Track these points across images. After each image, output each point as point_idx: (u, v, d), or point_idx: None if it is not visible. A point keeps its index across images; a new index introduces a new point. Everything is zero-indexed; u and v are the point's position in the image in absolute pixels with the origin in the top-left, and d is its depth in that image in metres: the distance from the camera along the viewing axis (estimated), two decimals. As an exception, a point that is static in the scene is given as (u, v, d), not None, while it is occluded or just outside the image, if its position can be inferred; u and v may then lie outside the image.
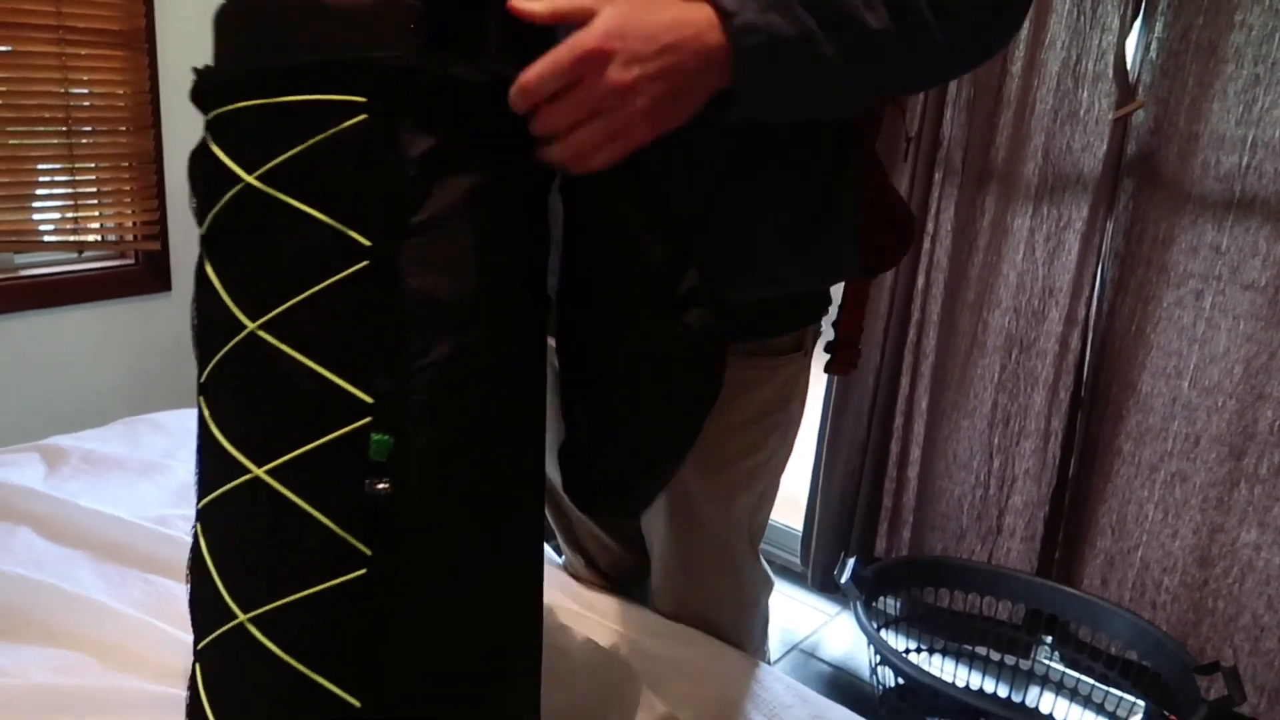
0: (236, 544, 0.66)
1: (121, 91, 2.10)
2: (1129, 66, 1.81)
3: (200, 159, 0.68)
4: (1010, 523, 2.07)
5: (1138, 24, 1.80)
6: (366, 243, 0.62)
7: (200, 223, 0.68)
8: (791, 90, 0.69)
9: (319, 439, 0.62)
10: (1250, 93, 1.70)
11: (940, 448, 2.14)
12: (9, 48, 1.91)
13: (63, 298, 2.13)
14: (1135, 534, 1.93)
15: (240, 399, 0.66)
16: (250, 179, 0.64)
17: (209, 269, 0.67)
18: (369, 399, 0.62)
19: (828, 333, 1.05)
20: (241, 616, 0.65)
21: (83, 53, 2.01)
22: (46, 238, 2.07)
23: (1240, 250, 1.74)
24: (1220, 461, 1.81)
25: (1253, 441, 1.77)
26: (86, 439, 1.53)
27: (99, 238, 2.17)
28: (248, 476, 0.64)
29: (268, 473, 0.63)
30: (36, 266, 2.12)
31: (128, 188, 2.16)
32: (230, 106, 0.65)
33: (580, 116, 0.63)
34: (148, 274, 2.24)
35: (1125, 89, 1.81)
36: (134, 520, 1.27)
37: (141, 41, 2.09)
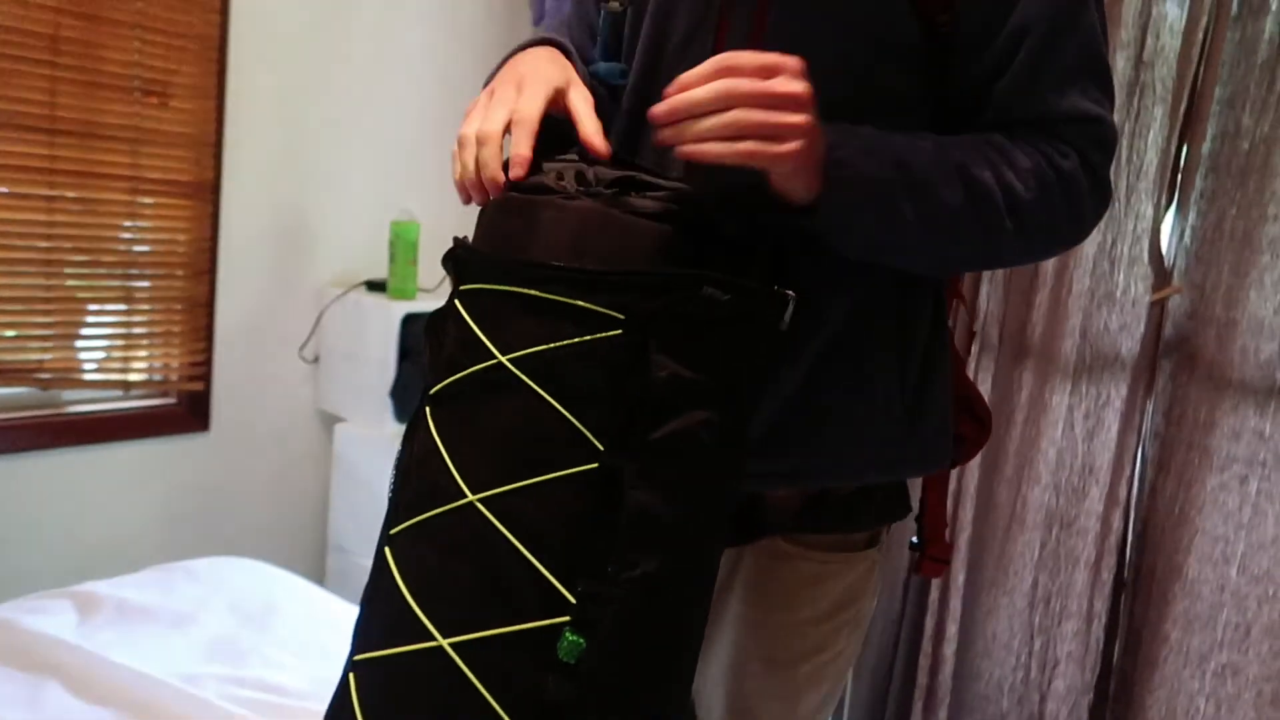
0: (396, 710, 0.66)
1: (183, 238, 2.18)
2: (1164, 252, 1.86)
3: (449, 323, 0.73)
4: (1053, 709, 1.99)
5: (1172, 211, 1.86)
6: (600, 447, 0.66)
7: (433, 375, 0.73)
8: (865, 222, 0.77)
9: (512, 625, 0.64)
10: (1286, 283, 1.73)
11: (979, 626, 2.08)
12: (85, 194, 2.00)
13: (104, 434, 2.15)
14: (1186, 727, 1.85)
15: (439, 563, 0.67)
16: (504, 359, 0.68)
17: (431, 425, 0.71)
18: (572, 599, 0.64)
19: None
20: None
21: (151, 200, 2.11)
22: (94, 375, 2.11)
23: (1284, 437, 1.74)
24: (1275, 655, 1.75)
25: (1307, 635, 1.72)
26: (121, 586, 1.52)
27: (146, 376, 2.21)
28: (430, 644, 0.65)
29: (452, 645, 0.64)
30: (81, 403, 2.15)
31: (178, 329, 2.21)
32: (495, 286, 0.71)
33: (722, 105, 0.69)
34: (188, 414, 2.27)
35: (1161, 274, 1.85)
36: (164, 679, 1.25)
37: (208, 193, 2.19)
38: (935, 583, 2.12)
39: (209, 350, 2.26)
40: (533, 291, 0.69)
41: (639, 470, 0.66)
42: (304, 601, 1.60)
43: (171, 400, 2.27)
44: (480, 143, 0.72)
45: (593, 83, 0.90)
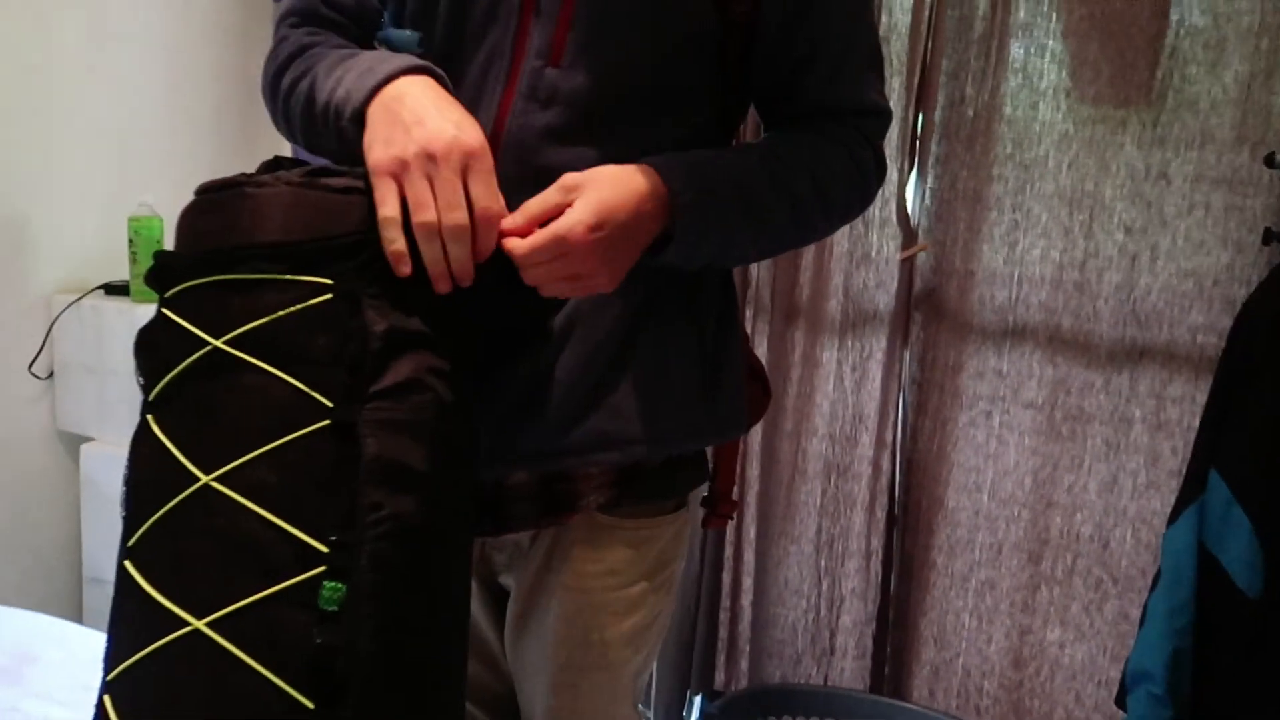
0: (163, 708, 0.66)
1: None
2: (910, 213, 2.02)
3: (156, 332, 0.74)
4: (842, 642, 2.14)
5: (914, 175, 2.02)
6: (329, 404, 0.68)
7: (149, 391, 0.73)
8: (708, 250, 0.87)
9: (269, 588, 0.65)
10: (1012, 235, 1.93)
11: (771, 575, 2.19)
12: None
13: None
14: (955, 643, 2.05)
15: (182, 553, 0.68)
16: (218, 343, 0.70)
17: (156, 429, 0.71)
18: (324, 548, 0.65)
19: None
20: None
21: None
22: None
23: (1019, 373, 1.94)
24: (1021, 567, 1.97)
25: (1047, 546, 1.94)
26: None
27: None
28: (185, 630, 0.65)
29: (209, 625, 0.64)
30: None
31: None
32: (195, 282, 0.73)
33: (556, 279, 0.77)
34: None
35: (908, 233, 2.01)
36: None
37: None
38: (729, 539, 2.22)
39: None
40: (237, 275, 0.72)
41: (371, 419, 0.68)
42: (62, 643, 1.43)
43: None
44: (450, 238, 0.72)
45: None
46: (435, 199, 0.71)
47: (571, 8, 0.83)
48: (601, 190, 0.77)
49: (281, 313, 0.70)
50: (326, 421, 0.68)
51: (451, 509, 0.74)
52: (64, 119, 2.15)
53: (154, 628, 0.66)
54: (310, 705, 0.63)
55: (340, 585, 0.65)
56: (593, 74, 0.84)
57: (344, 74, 0.81)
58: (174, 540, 0.68)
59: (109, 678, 0.68)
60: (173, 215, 2.15)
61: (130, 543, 0.70)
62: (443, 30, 0.87)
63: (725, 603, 2.24)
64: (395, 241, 0.71)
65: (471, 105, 0.83)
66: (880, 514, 2.08)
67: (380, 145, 0.73)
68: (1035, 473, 1.94)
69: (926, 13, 1.95)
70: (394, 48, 0.88)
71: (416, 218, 0.71)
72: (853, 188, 0.94)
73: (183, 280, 0.74)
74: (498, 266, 0.76)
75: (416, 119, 0.73)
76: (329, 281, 0.71)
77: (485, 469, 0.85)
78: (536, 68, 0.84)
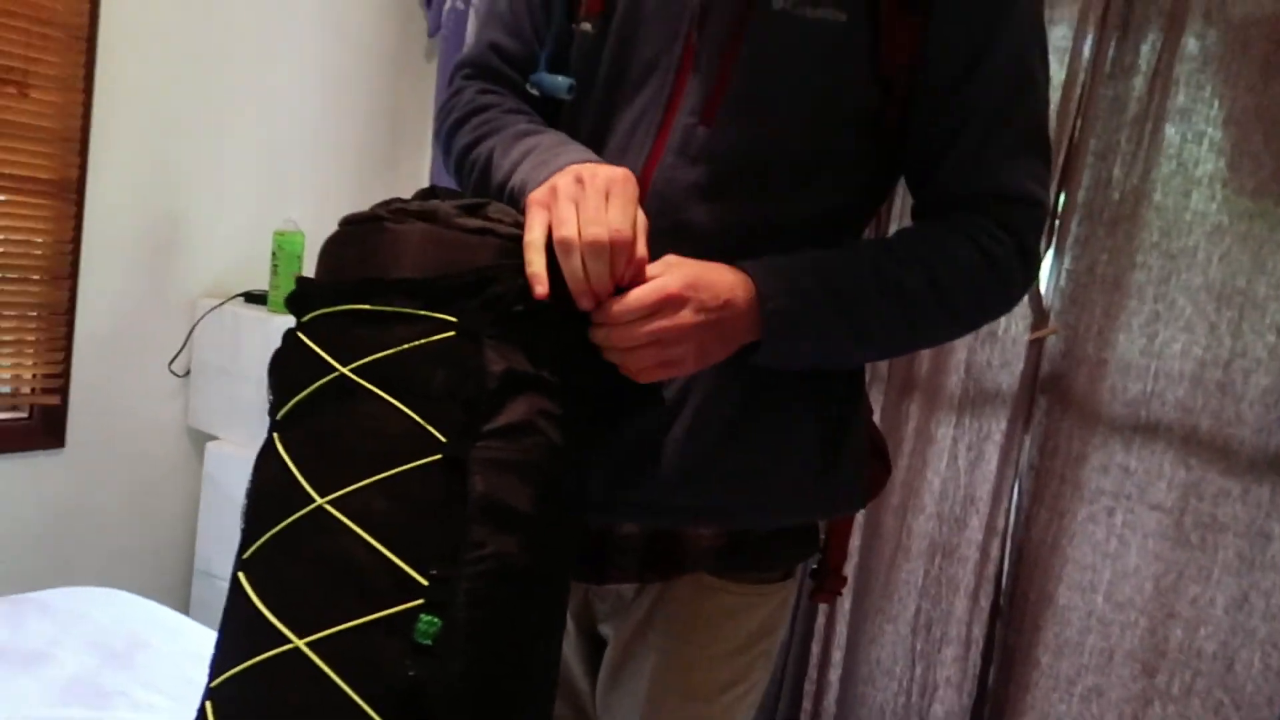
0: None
1: (40, 240, 2.02)
2: (1042, 294, 1.95)
3: (289, 353, 0.77)
4: (931, 732, 2.04)
5: (1050, 255, 1.95)
6: (442, 439, 0.69)
7: (277, 410, 0.76)
8: (804, 354, 0.84)
9: (368, 615, 0.66)
10: (1152, 327, 1.84)
11: (863, 652, 2.12)
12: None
13: (-57, 450, 1.96)
14: (1054, 748, 1.93)
15: (293, 571, 0.70)
16: (345, 370, 0.73)
17: (280, 447, 0.73)
18: (424, 581, 0.66)
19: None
20: None
21: (4, 199, 1.94)
22: (-67, 386, 1.93)
23: (1147, 472, 1.84)
24: (1134, 678, 1.85)
25: (1164, 660, 1.82)
26: (-40, 622, 1.37)
27: (-8, 388, 2.03)
28: (287, 647, 0.66)
29: (309, 645, 0.66)
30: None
31: (32, 338, 2.05)
32: (330, 310, 0.76)
33: (645, 342, 0.75)
34: (41, 429, 2.10)
35: (1039, 314, 1.94)
36: (13, 727, 1.13)
37: (71, 192, 2.03)
38: (821, 610, 2.16)
39: (67, 361, 2.09)
40: (369, 306, 0.74)
41: (481, 458, 0.69)
42: (173, 634, 1.49)
43: (23, 414, 2.09)
44: (590, 254, 0.73)
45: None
46: (578, 218, 0.74)
47: (730, 67, 0.83)
48: (693, 266, 0.77)
49: (406, 346, 0.72)
50: (438, 456, 0.69)
51: (553, 553, 0.74)
52: (227, 136, 2.29)
53: (258, 641, 0.67)
54: None
55: (436, 619, 0.66)
56: (745, 135, 0.84)
57: (521, 159, 0.84)
58: (285, 557, 0.70)
59: (213, 684, 0.70)
60: (315, 231, 2.27)
61: (245, 555, 0.72)
62: (601, 82, 0.89)
63: (812, 674, 2.18)
64: (534, 263, 0.73)
65: (620, 156, 0.84)
66: (984, 602, 1.99)
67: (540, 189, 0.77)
68: (1157, 579, 1.82)
69: (1078, 90, 1.89)
70: (545, 91, 0.91)
71: (556, 233, 0.73)
72: (983, 287, 0.86)
73: (319, 307, 0.77)
74: None
75: (582, 163, 0.78)
76: (453, 319, 0.72)
77: (595, 517, 0.85)
78: (689, 125, 0.84)
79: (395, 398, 0.71)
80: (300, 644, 0.66)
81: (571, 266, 0.73)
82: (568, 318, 0.75)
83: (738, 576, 0.92)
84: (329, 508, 0.69)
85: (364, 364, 0.72)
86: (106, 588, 1.64)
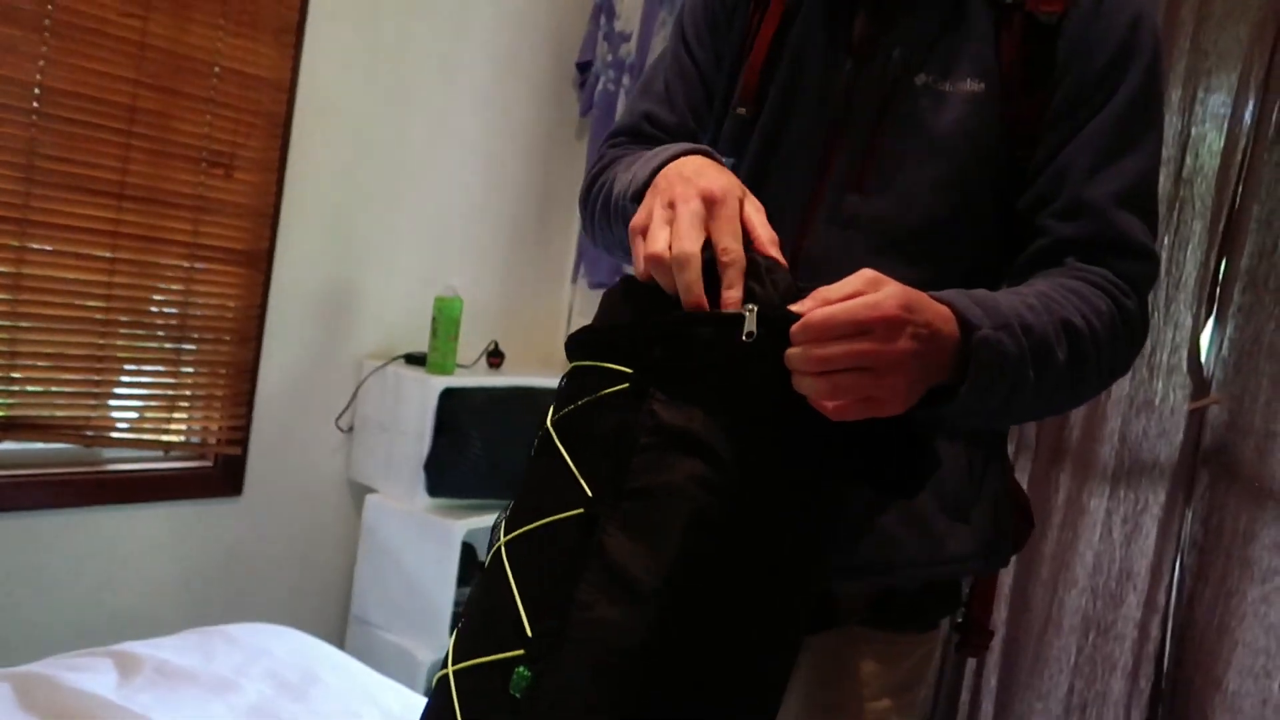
0: None
1: (233, 305, 2.22)
2: (1203, 362, 1.89)
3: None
4: (1088, 822, 1.94)
5: (1210, 323, 1.89)
6: (589, 493, 0.67)
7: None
8: (997, 398, 0.74)
9: (489, 656, 0.67)
10: (1326, 398, 1.75)
11: (1012, 730, 2.04)
12: (145, 257, 2.05)
13: (139, 495, 2.15)
14: None
15: (478, 600, 0.73)
16: (548, 423, 0.73)
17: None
18: (530, 633, 0.65)
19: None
20: None
21: (205, 266, 2.16)
22: (134, 435, 2.13)
23: (1325, 551, 1.74)
24: (1317, 775, 1.72)
25: (1351, 756, 1.69)
26: (161, 647, 1.51)
27: (185, 439, 2.23)
28: (441, 672, 0.71)
29: (454, 672, 0.69)
30: (120, 462, 2.17)
31: (220, 393, 2.24)
32: (573, 364, 0.76)
33: (850, 365, 0.65)
34: (222, 478, 2.28)
35: (1199, 383, 1.88)
36: (209, 743, 1.23)
37: (261, 261, 2.24)
38: (967, 684, 2.09)
39: (249, 415, 2.28)
40: (582, 363, 0.74)
41: (615, 518, 0.66)
42: (343, 673, 1.58)
43: (208, 463, 2.28)
44: (681, 266, 0.69)
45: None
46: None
47: (877, 138, 0.88)
48: (902, 285, 0.68)
49: (586, 399, 0.71)
50: (580, 510, 0.67)
51: (682, 634, 0.66)
52: (398, 210, 2.48)
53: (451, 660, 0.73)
54: None
55: (528, 674, 0.64)
56: (893, 199, 0.88)
57: (634, 162, 0.88)
58: (479, 588, 0.75)
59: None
60: (472, 298, 2.40)
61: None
62: (751, 158, 0.95)
63: (957, 752, 2.10)
64: (638, 262, 0.73)
65: (771, 221, 0.89)
66: (1144, 684, 1.90)
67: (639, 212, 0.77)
68: (1340, 667, 1.70)
69: (1239, 156, 1.85)
70: None
71: (647, 250, 0.71)
72: (1119, 339, 0.82)
73: (572, 359, 0.78)
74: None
75: (670, 183, 0.75)
76: (629, 370, 0.70)
77: None
78: (839, 193, 0.89)
79: (568, 449, 0.71)
80: (449, 670, 0.70)
81: (663, 278, 0.70)
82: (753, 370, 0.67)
83: (884, 629, 0.93)
84: (502, 549, 0.72)
85: (560, 416, 0.73)
86: (284, 626, 1.76)
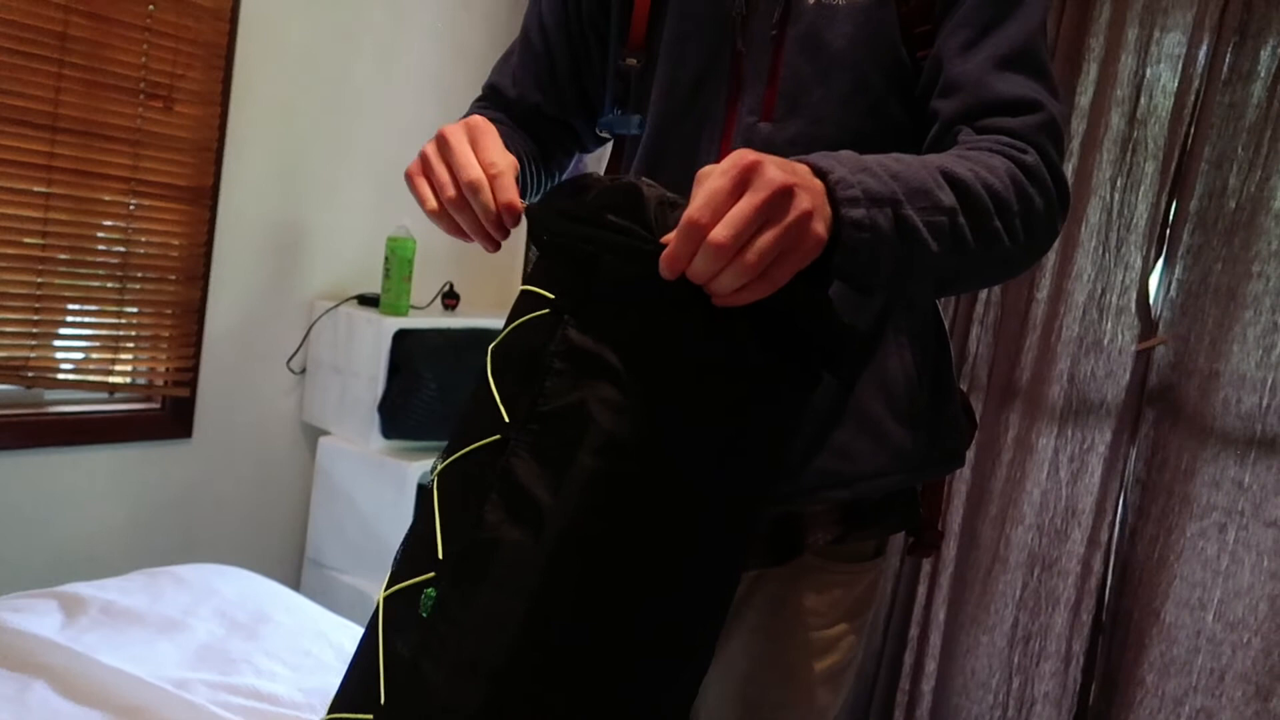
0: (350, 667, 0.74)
1: (177, 242, 2.16)
2: (1151, 303, 1.91)
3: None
4: (1029, 749, 2.00)
5: (1159, 264, 1.91)
6: (506, 419, 0.67)
7: None
8: (885, 244, 0.70)
9: (408, 580, 0.68)
10: (1269, 338, 1.78)
11: (958, 663, 2.09)
12: (82, 193, 1.99)
13: (85, 437, 2.11)
14: (1159, 771, 1.87)
15: (411, 529, 0.73)
16: (490, 348, 0.73)
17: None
18: (441, 557, 0.66)
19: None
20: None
21: (147, 203, 2.09)
22: (79, 375, 2.08)
23: (1263, 488, 1.78)
24: (1247, 700, 1.78)
25: None
26: (107, 589, 1.49)
27: (131, 380, 2.18)
28: (377, 597, 0.71)
29: (384, 598, 0.70)
30: (64, 404, 2.12)
31: (166, 333, 2.19)
32: (521, 287, 0.75)
33: (750, 223, 0.60)
34: (171, 419, 2.24)
35: (1148, 324, 1.90)
36: (154, 682, 1.22)
37: (205, 198, 2.17)
38: (916, 618, 2.14)
39: (197, 356, 2.23)
40: (526, 286, 0.73)
41: (523, 441, 0.65)
42: (293, 612, 1.58)
43: (155, 405, 2.24)
44: (469, 194, 0.72)
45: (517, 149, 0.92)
46: (450, 172, 0.74)
47: (779, 64, 0.87)
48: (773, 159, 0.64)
49: (514, 324, 0.71)
50: (497, 437, 0.67)
51: (584, 558, 0.65)
52: (347, 148, 2.41)
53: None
54: (381, 701, 0.66)
55: (434, 594, 0.65)
56: (803, 123, 0.88)
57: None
58: (414, 519, 0.75)
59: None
60: (426, 239, 2.35)
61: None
62: (655, 103, 0.94)
63: (904, 684, 2.16)
64: (438, 221, 0.76)
65: (687, 165, 0.87)
66: (1086, 617, 1.95)
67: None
68: (1273, 599, 1.76)
69: (1192, 98, 1.86)
70: (615, 132, 0.96)
71: (442, 196, 0.74)
72: (1028, 196, 0.78)
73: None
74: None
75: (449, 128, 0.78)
76: (551, 296, 0.69)
77: None
78: (750, 124, 0.89)
79: (492, 375, 0.70)
80: (380, 596, 0.70)
81: (468, 221, 0.73)
82: (662, 293, 0.64)
83: (835, 553, 0.94)
84: (435, 478, 0.72)
85: (496, 342, 0.73)
86: (234, 567, 1.74)
